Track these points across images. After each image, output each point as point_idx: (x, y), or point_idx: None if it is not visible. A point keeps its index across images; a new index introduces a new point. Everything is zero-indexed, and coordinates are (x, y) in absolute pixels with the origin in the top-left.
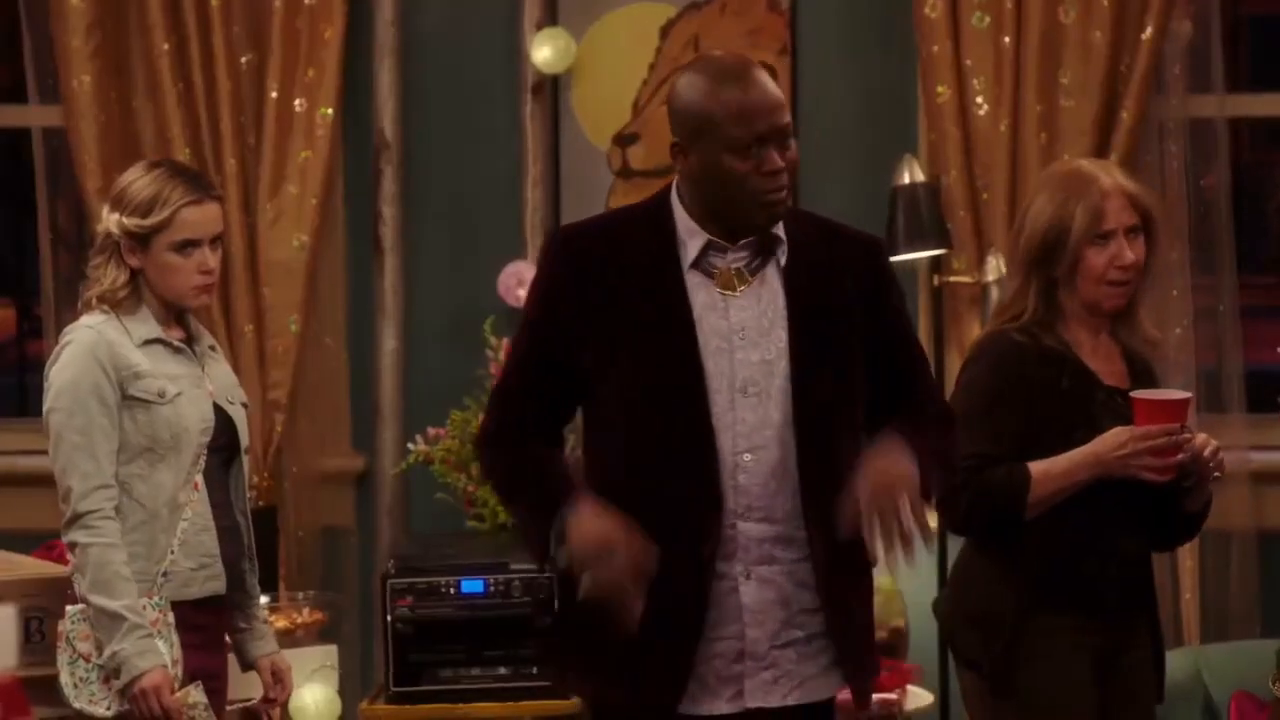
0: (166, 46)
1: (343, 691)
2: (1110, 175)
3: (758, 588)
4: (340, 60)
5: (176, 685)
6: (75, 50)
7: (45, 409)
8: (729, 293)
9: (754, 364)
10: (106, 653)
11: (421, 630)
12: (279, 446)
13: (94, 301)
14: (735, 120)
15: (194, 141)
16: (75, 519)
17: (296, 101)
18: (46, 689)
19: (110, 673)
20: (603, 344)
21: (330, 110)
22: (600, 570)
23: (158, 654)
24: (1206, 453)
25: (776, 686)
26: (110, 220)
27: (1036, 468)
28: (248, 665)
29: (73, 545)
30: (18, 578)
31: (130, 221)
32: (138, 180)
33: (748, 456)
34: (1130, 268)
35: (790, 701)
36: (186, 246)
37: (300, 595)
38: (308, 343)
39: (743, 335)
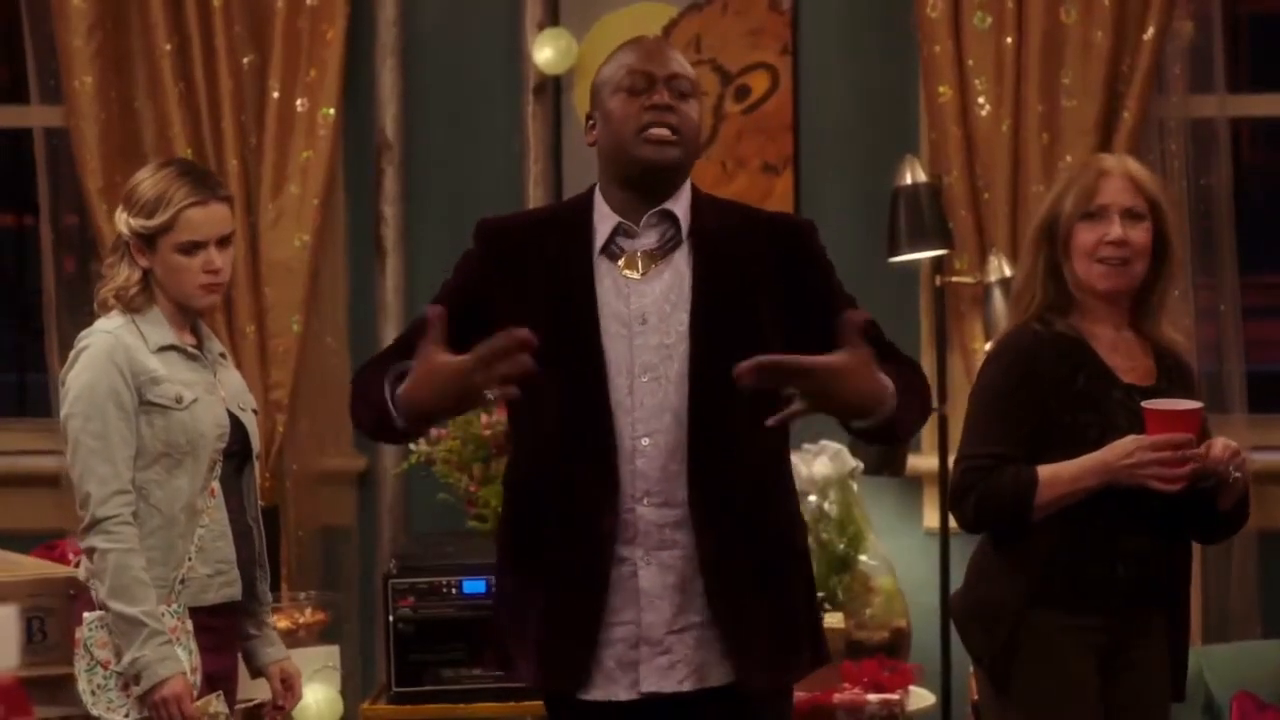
0: (168, 47)
1: (344, 691)
2: (1119, 161)
3: (657, 572)
4: (342, 60)
5: (195, 693)
6: (77, 50)
7: (63, 414)
8: (632, 275)
9: (653, 348)
10: (126, 659)
11: (423, 630)
12: (280, 446)
13: (110, 300)
14: (624, 70)
15: (195, 141)
16: (93, 524)
17: (298, 101)
18: (48, 689)
19: (130, 679)
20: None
21: (332, 110)
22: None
23: (177, 661)
24: (1225, 455)
25: (672, 672)
26: (120, 220)
27: (1045, 472)
28: (257, 671)
29: (90, 550)
30: (19, 578)
31: (136, 222)
32: (145, 180)
33: (645, 440)
34: (1121, 245)
35: (686, 687)
36: (192, 248)
37: (302, 595)
38: (309, 342)
39: (644, 320)
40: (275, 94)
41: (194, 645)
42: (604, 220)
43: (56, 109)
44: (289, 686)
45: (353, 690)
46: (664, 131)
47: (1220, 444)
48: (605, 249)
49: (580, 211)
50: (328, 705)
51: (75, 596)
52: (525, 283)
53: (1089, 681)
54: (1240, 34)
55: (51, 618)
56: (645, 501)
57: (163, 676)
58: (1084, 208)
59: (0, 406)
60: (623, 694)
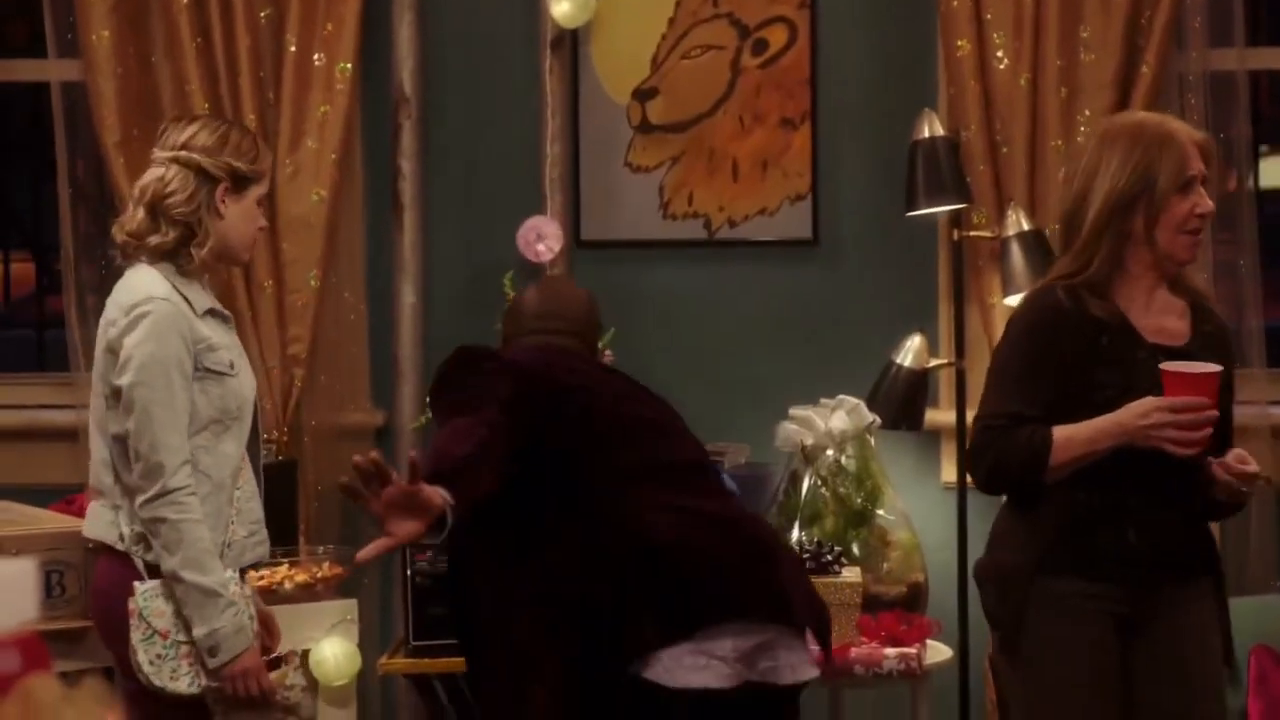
0: (185, 1)
1: (362, 645)
2: (1183, 125)
3: None
4: (359, 15)
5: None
6: (94, 4)
7: (127, 382)
8: None
9: None
10: (202, 630)
11: (440, 584)
12: (298, 401)
13: (196, 254)
14: None
15: (213, 96)
16: (163, 494)
17: (315, 56)
18: (66, 642)
19: (206, 651)
20: None
21: (349, 65)
22: None
23: (249, 632)
24: (1240, 474)
25: None
26: (212, 161)
27: (1060, 433)
28: None
29: (159, 521)
30: (38, 531)
31: (242, 164)
32: (230, 129)
33: None
34: (1208, 215)
35: None
36: (263, 200)
37: (320, 550)
38: (327, 298)
39: None
40: (292, 49)
41: (253, 610)
42: None
43: (74, 63)
44: (269, 628)
45: (370, 644)
46: None
47: (1235, 458)
48: None
49: None
50: (346, 659)
51: (94, 550)
52: None
53: (1100, 649)
54: None
55: (70, 571)
56: None
57: (240, 649)
58: (1180, 180)
59: (19, 361)
60: None
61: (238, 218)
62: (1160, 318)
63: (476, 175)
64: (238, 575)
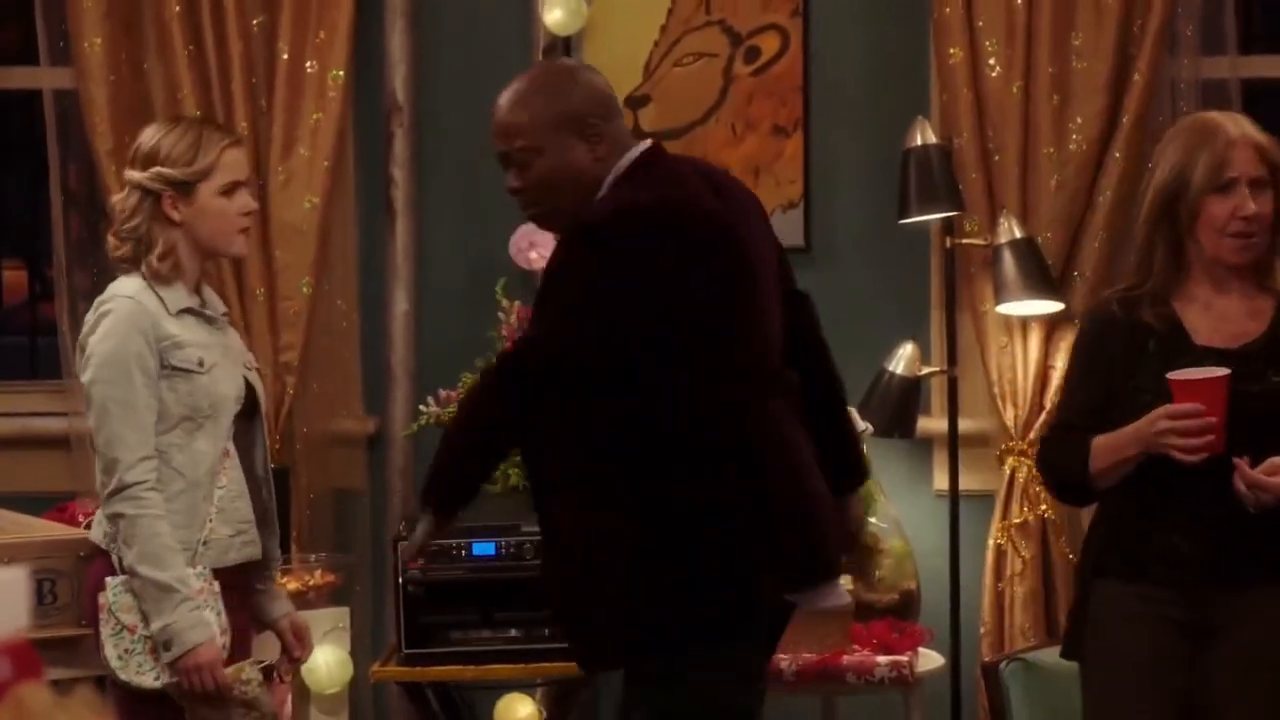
0: (178, 8)
1: (354, 653)
2: (1238, 125)
3: None
4: (351, 22)
5: (225, 656)
6: (86, 11)
7: (86, 379)
8: None
9: None
10: (157, 625)
11: (433, 592)
12: (290, 408)
13: (154, 264)
14: None
15: (205, 103)
16: (120, 490)
17: (308, 64)
18: (58, 650)
19: (160, 645)
20: None
21: (341, 72)
22: None
23: (207, 626)
24: (1261, 481)
25: None
26: (146, 176)
27: (1097, 441)
28: (265, 627)
29: (117, 516)
30: (29, 539)
31: (176, 171)
32: (169, 133)
33: None
34: (1253, 219)
35: None
36: (234, 188)
37: (312, 557)
38: (319, 305)
39: None
40: (285, 56)
41: (221, 606)
42: None
43: (66, 71)
44: (300, 638)
45: (363, 652)
46: (527, 213)
47: (1268, 468)
48: None
49: None
50: (338, 667)
51: (86, 558)
52: None
53: (1156, 651)
54: None
55: (62, 579)
56: None
57: (194, 643)
58: (1216, 181)
59: (11, 369)
60: None
61: (197, 217)
62: (1224, 319)
63: (469, 182)
64: (209, 573)
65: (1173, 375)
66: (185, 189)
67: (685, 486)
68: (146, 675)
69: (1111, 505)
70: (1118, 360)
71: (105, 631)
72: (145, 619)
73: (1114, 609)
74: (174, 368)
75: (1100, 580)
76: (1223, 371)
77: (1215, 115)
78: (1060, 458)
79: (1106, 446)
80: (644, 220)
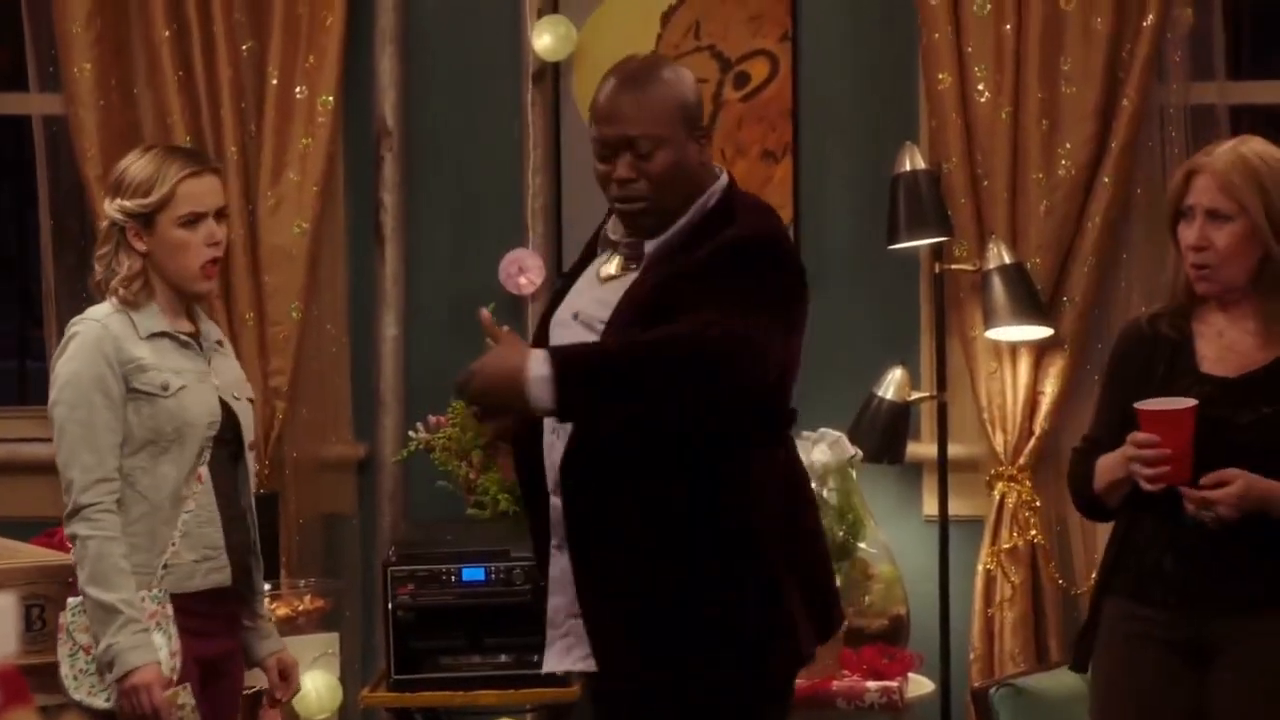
0: (167, 34)
1: (344, 679)
2: (1214, 155)
3: (562, 559)
4: (341, 47)
5: (175, 677)
6: (76, 37)
7: (50, 401)
8: (603, 282)
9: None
10: (101, 646)
11: (422, 618)
12: (280, 433)
13: (119, 290)
14: (591, 121)
15: (195, 129)
16: (76, 511)
17: (297, 89)
18: (48, 676)
19: (103, 666)
20: None
21: (331, 97)
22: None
23: (150, 649)
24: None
25: (570, 654)
26: (112, 207)
27: (1101, 460)
28: (253, 664)
29: (73, 537)
30: (18, 565)
31: (133, 203)
32: (135, 163)
33: (551, 435)
34: (1201, 251)
35: (582, 667)
36: (193, 221)
37: (301, 583)
38: (309, 330)
39: (565, 324)
40: (274, 81)
41: (174, 630)
42: (613, 229)
43: (56, 97)
44: (286, 677)
45: (352, 677)
46: (630, 206)
47: (1210, 479)
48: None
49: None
50: (327, 692)
51: (72, 584)
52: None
53: (1159, 676)
54: (1240, 21)
55: (50, 605)
56: (555, 492)
57: (134, 665)
58: (1176, 205)
59: (0, 394)
60: (549, 666)
61: (159, 248)
62: (1233, 348)
63: (458, 207)
64: (166, 596)
65: (1139, 404)
66: (144, 220)
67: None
68: (99, 696)
69: (1119, 524)
70: (1133, 377)
71: (62, 652)
72: (95, 640)
73: (1119, 628)
74: (136, 390)
75: (1108, 598)
76: (1188, 403)
77: (1217, 144)
78: (1077, 474)
79: (1105, 467)
80: (794, 254)
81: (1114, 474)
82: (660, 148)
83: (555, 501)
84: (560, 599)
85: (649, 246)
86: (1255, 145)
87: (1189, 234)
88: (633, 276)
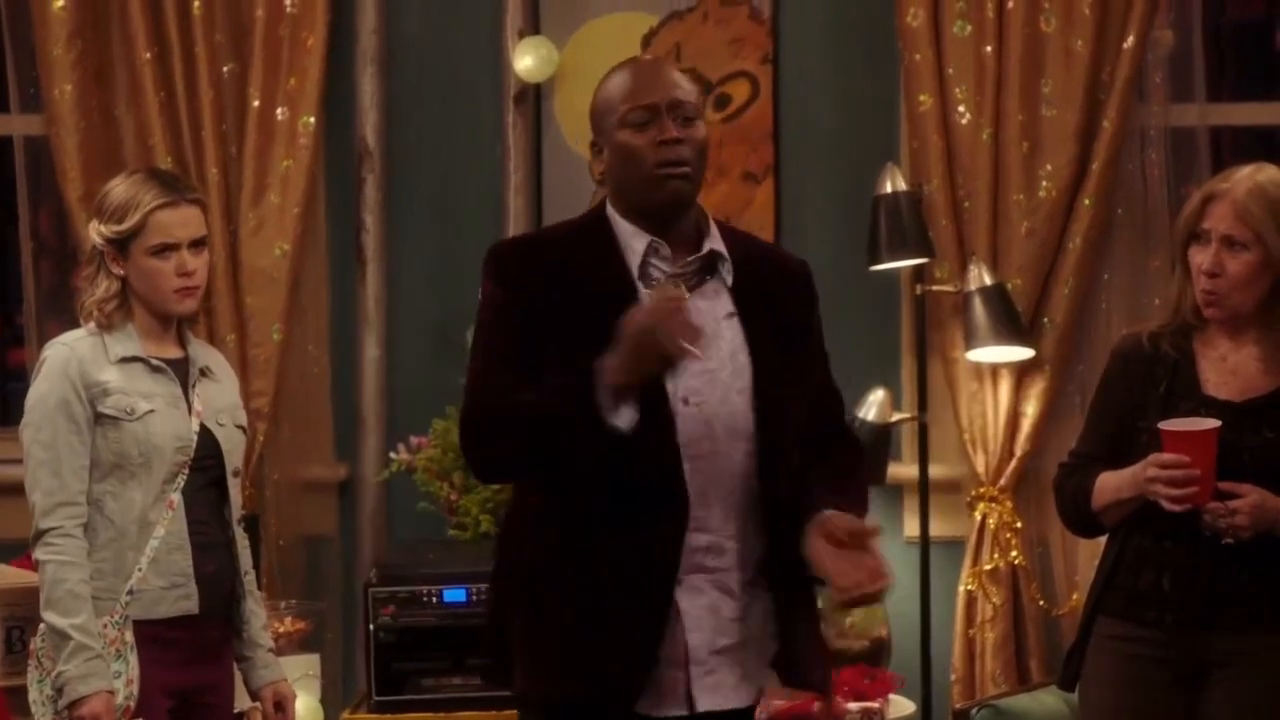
0: (148, 55)
1: (325, 700)
2: (1234, 182)
3: (690, 595)
4: (322, 69)
5: (132, 705)
6: (57, 59)
7: (21, 424)
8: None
9: (696, 374)
10: (54, 672)
11: (404, 639)
12: (261, 455)
13: (94, 311)
14: (624, 96)
15: (176, 150)
16: (38, 536)
17: (278, 110)
18: (27, 699)
19: (56, 692)
20: (555, 354)
21: (312, 119)
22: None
23: (102, 678)
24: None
25: (718, 692)
26: (92, 230)
27: (1103, 478)
28: (253, 694)
29: (36, 561)
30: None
31: (108, 229)
32: (115, 188)
33: (686, 467)
34: (1212, 276)
35: (725, 705)
36: (164, 250)
37: (282, 604)
38: (290, 351)
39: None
40: (255, 103)
41: (133, 659)
42: (636, 238)
43: (36, 118)
44: (281, 709)
45: (334, 699)
46: (679, 169)
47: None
48: (642, 271)
49: (601, 230)
50: (308, 714)
51: None
52: (568, 303)
53: (1147, 697)
54: (1220, 43)
55: (30, 627)
56: (691, 526)
57: (82, 694)
58: (1191, 228)
59: None
60: (674, 709)
61: (133, 274)
62: (1236, 372)
63: (439, 228)
64: (127, 623)
65: (1164, 425)
66: (119, 246)
67: None
68: None
69: (1113, 543)
70: (1133, 395)
71: (31, 677)
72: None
73: (1109, 648)
74: (102, 415)
75: (1100, 617)
76: (1212, 424)
77: (1236, 169)
78: (1068, 489)
79: (1108, 486)
80: None
81: (1121, 493)
82: (699, 119)
83: (701, 538)
84: (701, 635)
85: (726, 265)
86: (1272, 173)
87: (1202, 258)
88: (710, 295)
